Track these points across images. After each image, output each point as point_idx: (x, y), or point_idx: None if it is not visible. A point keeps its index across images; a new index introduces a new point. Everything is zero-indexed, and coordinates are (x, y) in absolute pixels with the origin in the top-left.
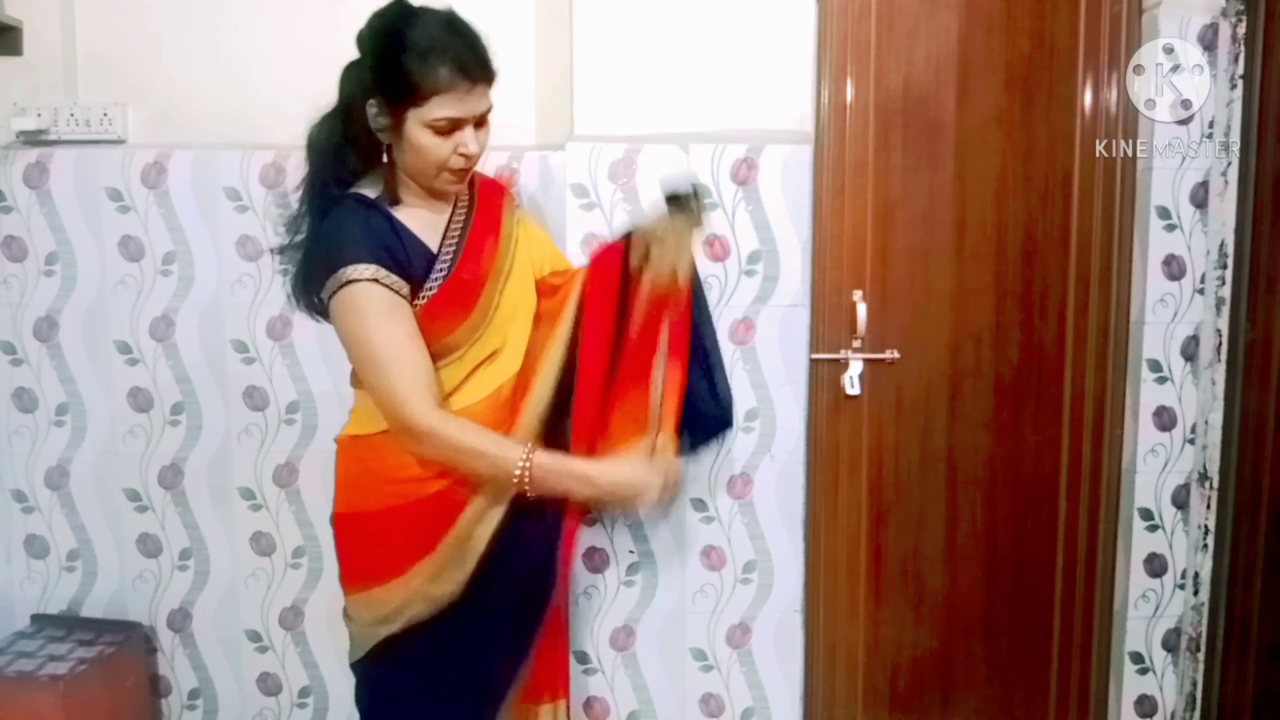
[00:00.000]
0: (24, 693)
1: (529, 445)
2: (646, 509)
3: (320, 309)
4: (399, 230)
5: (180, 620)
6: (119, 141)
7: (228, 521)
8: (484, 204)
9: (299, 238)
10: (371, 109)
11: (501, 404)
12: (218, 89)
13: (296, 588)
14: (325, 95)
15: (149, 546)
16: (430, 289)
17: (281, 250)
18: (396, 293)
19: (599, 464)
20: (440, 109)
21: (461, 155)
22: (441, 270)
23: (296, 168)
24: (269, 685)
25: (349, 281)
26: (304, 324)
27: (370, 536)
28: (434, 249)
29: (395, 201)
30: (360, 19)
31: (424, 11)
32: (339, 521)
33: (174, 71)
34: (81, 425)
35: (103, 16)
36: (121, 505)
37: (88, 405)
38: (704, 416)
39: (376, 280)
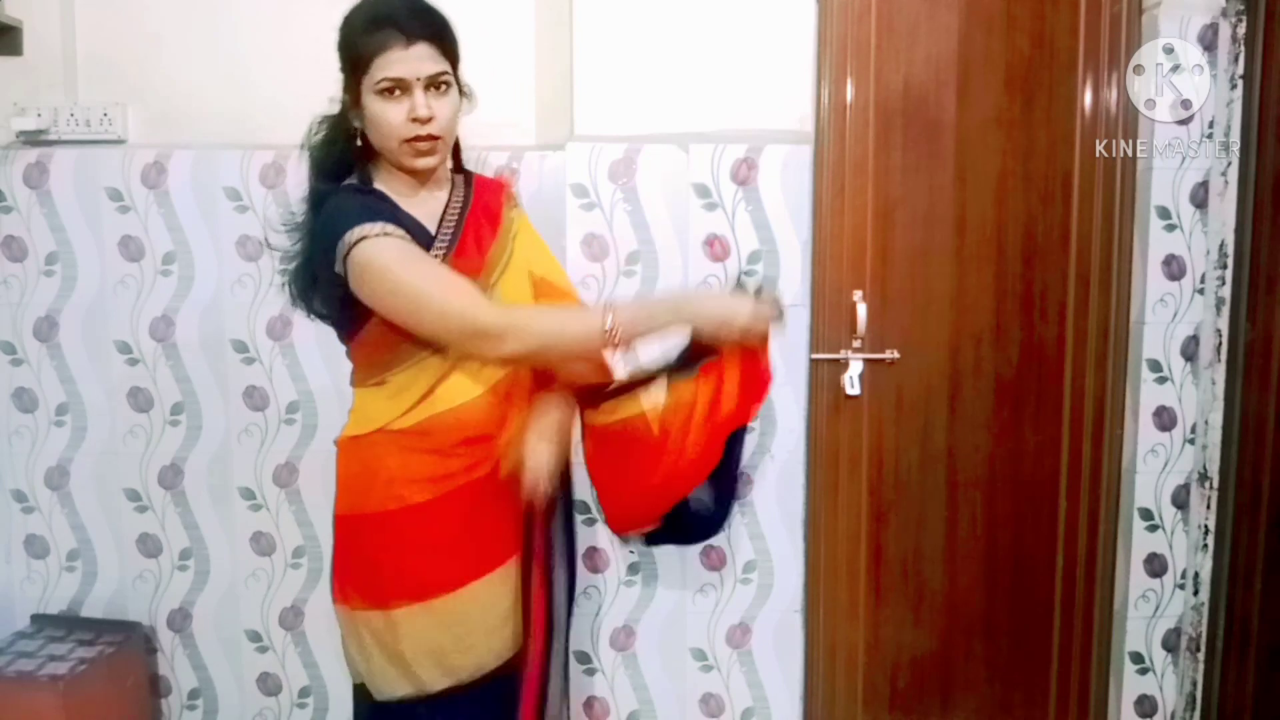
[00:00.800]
0: (24, 693)
1: (610, 305)
2: (740, 331)
3: (324, 309)
4: (396, 208)
5: (180, 620)
6: (119, 141)
7: (228, 521)
8: (480, 195)
9: (298, 246)
10: (342, 100)
11: (498, 401)
12: (218, 89)
13: (296, 588)
14: (325, 95)
15: (149, 546)
16: None
17: (283, 253)
18: (409, 242)
19: (686, 293)
20: (380, 70)
21: (415, 121)
22: (439, 253)
23: (296, 168)
24: (269, 685)
25: (361, 239)
26: (304, 324)
27: (369, 541)
28: (431, 231)
29: (369, 185)
30: None
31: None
32: (339, 523)
33: (174, 71)
34: (81, 425)
35: (103, 16)
36: (121, 505)
37: (88, 405)
38: (698, 517)
39: (386, 234)
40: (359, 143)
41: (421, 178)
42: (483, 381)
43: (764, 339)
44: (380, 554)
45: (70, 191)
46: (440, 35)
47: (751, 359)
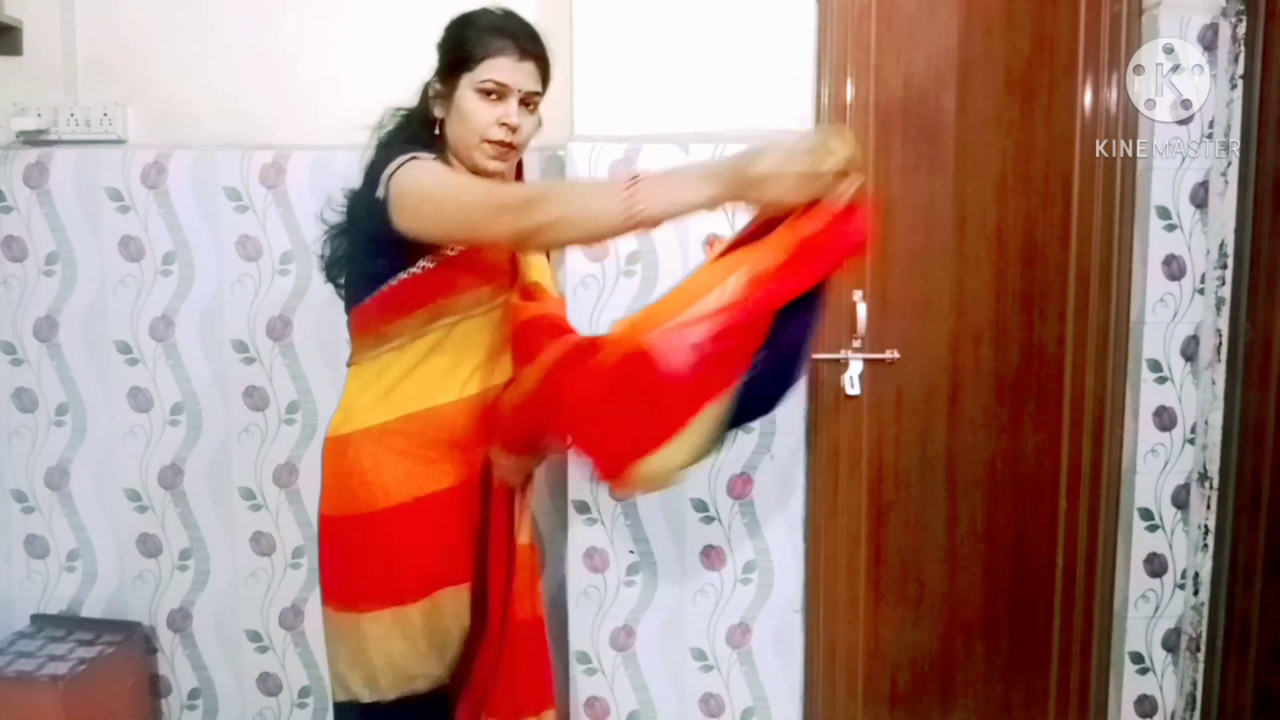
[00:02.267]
0: (24, 693)
1: (634, 177)
2: (806, 184)
3: (351, 260)
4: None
5: (180, 620)
6: (119, 141)
7: (228, 521)
8: None
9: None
10: (432, 88)
11: (482, 408)
12: (218, 89)
13: (296, 588)
14: (324, 95)
15: (149, 546)
16: (452, 249)
17: (328, 230)
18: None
19: (725, 156)
20: (488, 71)
21: (503, 126)
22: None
23: (296, 168)
24: (269, 685)
25: (413, 158)
26: (304, 324)
27: (352, 544)
28: None
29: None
30: (359, 18)
31: (486, 9)
32: (323, 525)
33: (174, 71)
34: (81, 425)
35: (103, 16)
36: (121, 505)
37: (88, 405)
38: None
39: (438, 160)
40: (436, 132)
41: (486, 174)
42: (464, 384)
43: (841, 192)
44: (355, 557)
45: (70, 191)
46: (545, 62)
47: (835, 216)
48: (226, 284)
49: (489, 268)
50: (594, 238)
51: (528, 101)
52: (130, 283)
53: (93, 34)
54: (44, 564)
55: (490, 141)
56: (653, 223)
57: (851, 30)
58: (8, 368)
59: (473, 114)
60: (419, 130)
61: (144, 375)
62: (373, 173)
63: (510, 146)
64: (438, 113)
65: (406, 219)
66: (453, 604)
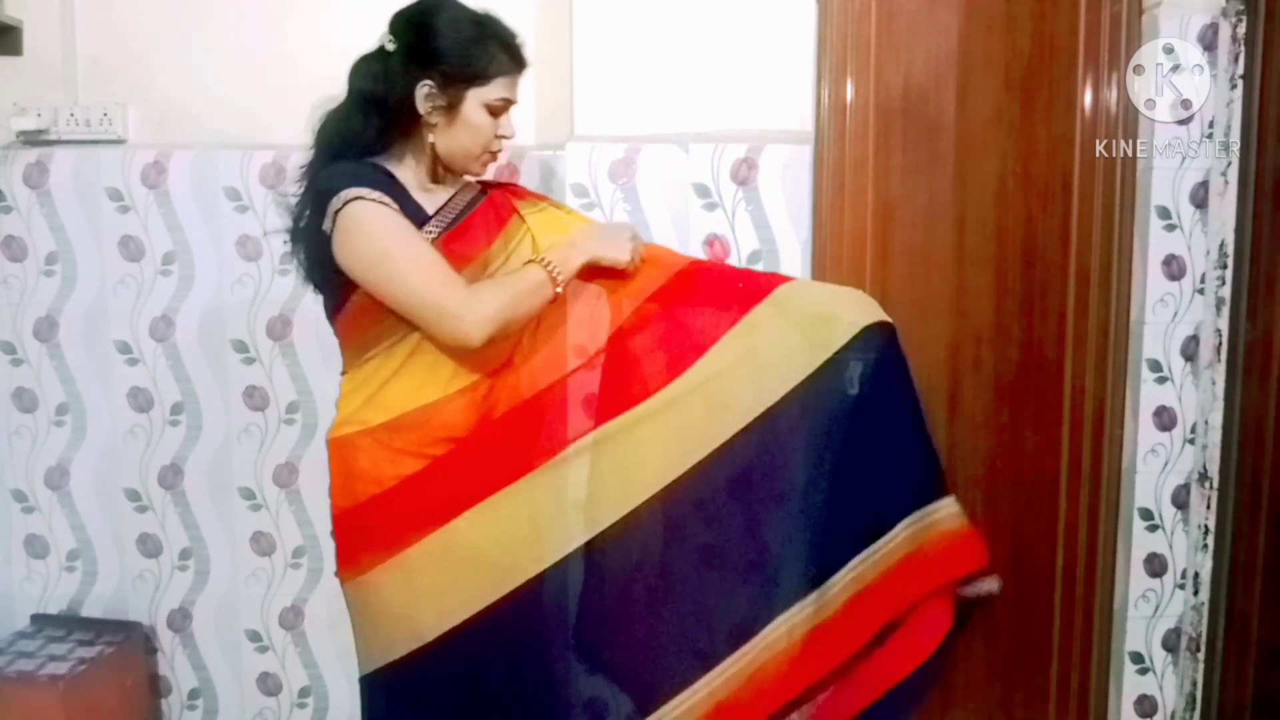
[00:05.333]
0: (24, 693)
1: (538, 259)
2: (627, 259)
3: (313, 276)
4: (398, 184)
5: (180, 620)
6: (119, 141)
7: (228, 521)
8: (494, 198)
9: (303, 224)
10: (424, 89)
11: (474, 404)
12: (218, 89)
13: (296, 588)
14: (324, 94)
15: (149, 546)
16: None
17: (290, 235)
18: (401, 216)
19: (580, 230)
20: (500, 90)
21: (500, 138)
22: (430, 234)
23: (296, 168)
24: (269, 685)
25: (357, 198)
26: (304, 324)
27: (364, 526)
28: (428, 212)
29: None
30: (356, 17)
31: (461, 4)
32: (336, 520)
33: (174, 71)
34: (81, 425)
35: (103, 16)
36: (121, 505)
37: (88, 405)
38: None
39: (383, 203)
40: (395, 131)
41: (440, 177)
42: (449, 381)
43: (634, 263)
44: (367, 531)
45: (70, 191)
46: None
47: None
48: (226, 284)
49: (452, 263)
50: (531, 314)
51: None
52: (130, 283)
53: (93, 34)
54: (44, 564)
55: (490, 152)
56: (568, 279)
57: (851, 30)
58: (8, 368)
59: (481, 129)
60: (374, 132)
61: (144, 375)
62: (320, 198)
63: (499, 151)
64: (432, 119)
65: (347, 265)
66: (484, 520)
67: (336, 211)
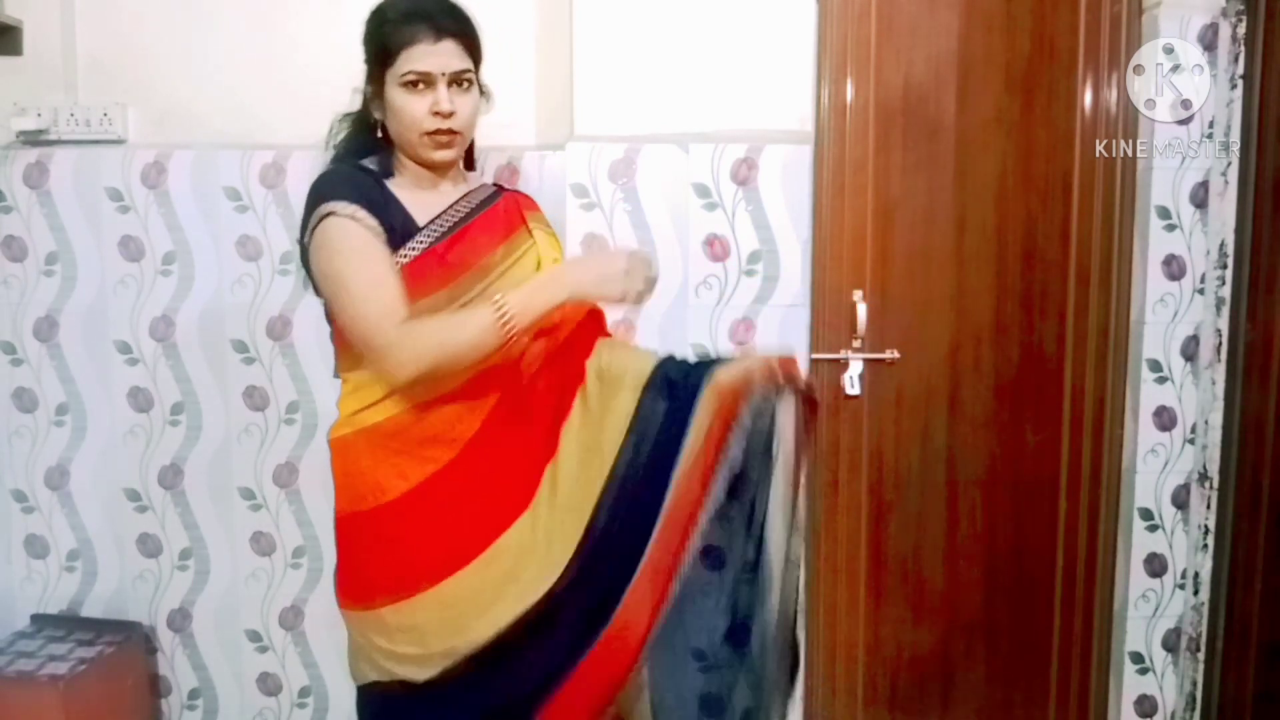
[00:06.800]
0: (24, 693)
1: (495, 301)
2: (619, 295)
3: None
4: (386, 193)
5: (180, 620)
6: (119, 141)
7: (228, 521)
8: (503, 207)
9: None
10: (364, 90)
11: (475, 404)
12: (218, 89)
13: (296, 588)
14: (324, 95)
15: (149, 546)
16: (404, 257)
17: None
18: (374, 235)
19: (563, 263)
20: (408, 63)
21: (436, 115)
22: (421, 243)
23: (296, 168)
24: (269, 685)
25: (329, 214)
26: (304, 324)
27: (368, 539)
28: (419, 223)
29: (388, 174)
30: (357, 18)
31: None
32: (338, 524)
33: (174, 71)
34: (81, 425)
35: (103, 16)
36: (121, 505)
37: (88, 405)
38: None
39: (355, 218)
40: (379, 134)
41: (439, 171)
42: (441, 380)
43: (639, 297)
44: (367, 552)
45: (70, 191)
46: (467, 34)
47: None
48: (226, 284)
49: (445, 272)
50: (471, 361)
51: (459, 80)
52: (130, 283)
53: (93, 34)
54: (44, 564)
55: (429, 134)
56: (524, 330)
57: (851, 30)
58: (8, 368)
59: (404, 109)
60: (365, 138)
61: (144, 375)
62: (308, 206)
63: (451, 133)
64: (376, 115)
65: (314, 277)
66: (474, 579)
67: (314, 226)
